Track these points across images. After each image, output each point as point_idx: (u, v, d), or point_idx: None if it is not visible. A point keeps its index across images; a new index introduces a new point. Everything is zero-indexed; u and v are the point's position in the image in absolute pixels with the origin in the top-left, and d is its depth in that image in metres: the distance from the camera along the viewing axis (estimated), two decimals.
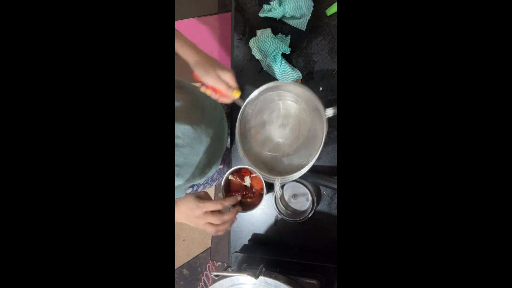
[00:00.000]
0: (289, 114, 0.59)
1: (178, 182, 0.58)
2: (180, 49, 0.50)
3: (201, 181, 0.67)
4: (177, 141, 0.52)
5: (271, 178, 0.51)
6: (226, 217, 0.49)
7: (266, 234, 0.64)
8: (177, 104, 0.54)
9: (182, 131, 0.53)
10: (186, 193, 0.69)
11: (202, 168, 0.62)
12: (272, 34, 0.63)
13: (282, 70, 0.61)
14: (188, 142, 0.54)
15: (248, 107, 0.53)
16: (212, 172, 0.68)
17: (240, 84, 0.69)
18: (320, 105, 0.47)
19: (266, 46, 0.61)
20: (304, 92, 0.49)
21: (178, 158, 0.54)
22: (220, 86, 0.50)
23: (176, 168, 0.54)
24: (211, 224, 0.49)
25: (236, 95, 0.51)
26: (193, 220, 0.50)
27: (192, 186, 0.72)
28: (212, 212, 0.49)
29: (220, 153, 0.66)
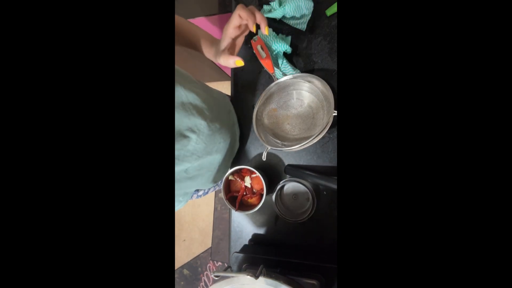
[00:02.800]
0: (304, 104, 0.61)
1: (186, 183, 0.57)
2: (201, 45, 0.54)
3: (210, 185, 0.66)
4: (191, 135, 0.50)
5: (264, 145, 0.56)
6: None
7: (266, 234, 0.64)
8: (192, 96, 0.51)
9: (197, 125, 0.51)
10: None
11: (213, 170, 0.61)
12: (274, 33, 0.63)
13: (283, 69, 0.61)
14: (203, 139, 0.53)
15: (275, 86, 0.59)
16: (221, 178, 0.67)
17: (241, 84, 0.69)
18: (332, 99, 0.51)
19: (269, 44, 0.61)
20: (324, 87, 0.53)
21: (191, 156, 0.52)
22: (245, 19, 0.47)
23: (186, 165, 0.53)
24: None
25: (239, 63, 0.51)
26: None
27: (198, 190, 0.71)
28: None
29: (229, 161, 0.66)
